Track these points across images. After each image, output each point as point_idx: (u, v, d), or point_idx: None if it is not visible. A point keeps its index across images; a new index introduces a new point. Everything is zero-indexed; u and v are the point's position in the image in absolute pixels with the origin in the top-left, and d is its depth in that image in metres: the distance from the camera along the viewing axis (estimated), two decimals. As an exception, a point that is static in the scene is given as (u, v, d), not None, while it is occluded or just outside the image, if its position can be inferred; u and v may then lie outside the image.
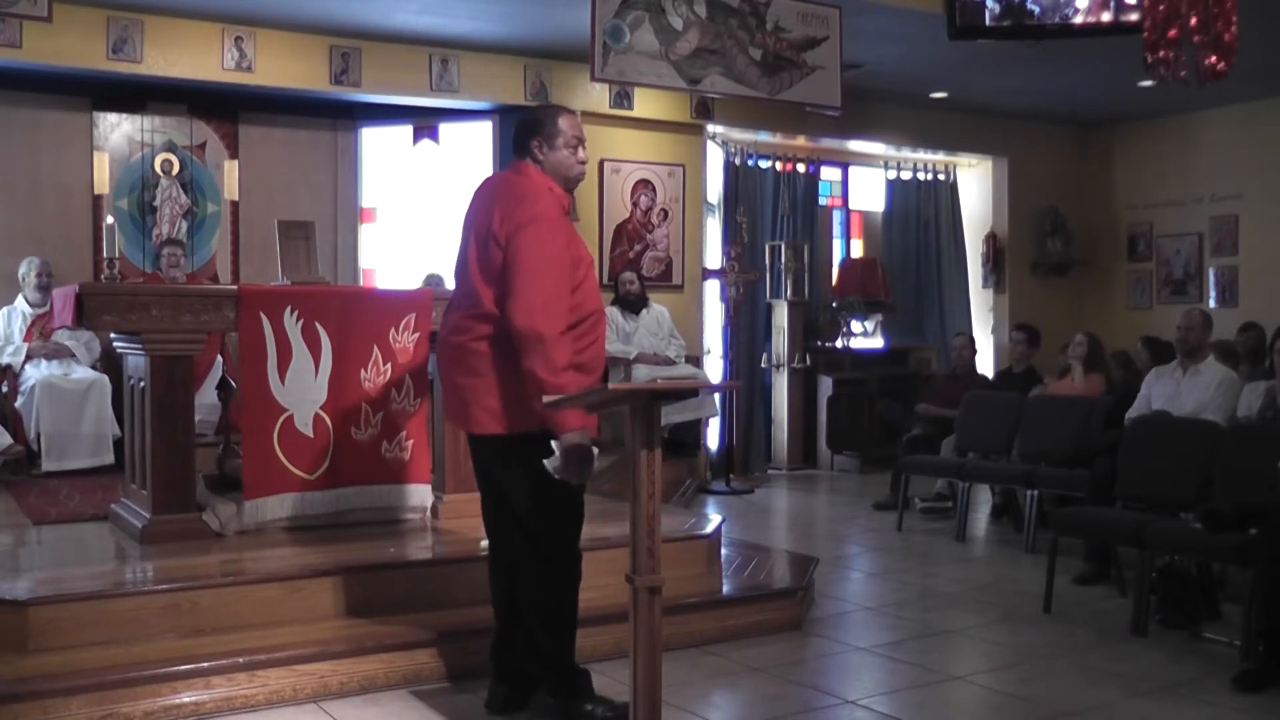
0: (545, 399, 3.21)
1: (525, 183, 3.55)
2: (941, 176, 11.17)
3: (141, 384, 4.70)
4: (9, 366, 7.03)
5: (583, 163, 3.65)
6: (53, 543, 4.85)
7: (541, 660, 3.55)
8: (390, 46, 8.08)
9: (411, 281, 8.12)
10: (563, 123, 3.59)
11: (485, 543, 4.68)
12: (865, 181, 11.14)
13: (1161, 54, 5.58)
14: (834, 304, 10.28)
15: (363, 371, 4.88)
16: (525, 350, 3.32)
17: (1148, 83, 8.62)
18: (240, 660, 3.74)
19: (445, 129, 8.89)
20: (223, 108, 8.25)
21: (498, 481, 3.60)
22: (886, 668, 4.33)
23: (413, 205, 8.89)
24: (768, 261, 9.92)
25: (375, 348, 4.90)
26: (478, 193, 3.73)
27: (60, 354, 7.09)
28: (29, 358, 7.04)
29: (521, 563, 3.56)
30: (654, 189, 9.10)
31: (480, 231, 3.52)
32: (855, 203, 11.17)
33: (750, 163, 10.00)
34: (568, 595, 3.56)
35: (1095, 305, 11.42)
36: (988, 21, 7.27)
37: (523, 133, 3.60)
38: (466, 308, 3.53)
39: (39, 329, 7.13)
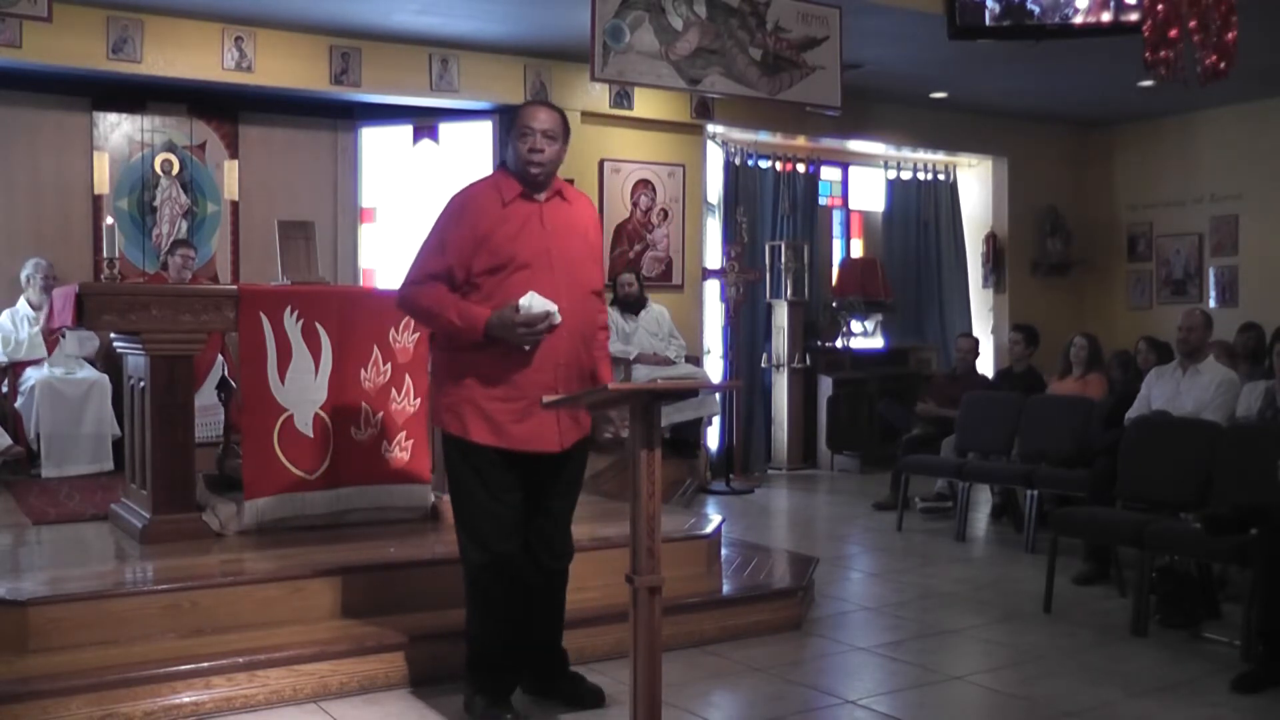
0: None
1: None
2: (941, 176, 11.17)
3: (141, 384, 4.70)
4: (9, 366, 7.02)
5: (532, 151, 3.45)
6: (53, 543, 4.85)
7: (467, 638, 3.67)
8: (390, 46, 8.08)
9: (411, 281, 8.10)
10: (520, 115, 3.56)
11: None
12: (865, 181, 11.14)
13: (1161, 54, 5.58)
14: (834, 304, 10.28)
15: (363, 371, 4.88)
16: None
17: (1148, 83, 8.64)
18: (240, 660, 3.74)
19: (445, 129, 8.89)
20: (223, 108, 8.24)
21: None
22: (886, 668, 4.33)
23: (413, 205, 8.88)
24: (768, 261, 9.92)
25: (375, 348, 4.90)
26: None
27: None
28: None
29: None
30: (654, 189, 9.10)
31: None
32: (855, 203, 11.17)
33: (750, 163, 10.00)
34: (472, 603, 3.60)
35: (1095, 305, 11.42)
36: (988, 21, 7.27)
37: None
38: None
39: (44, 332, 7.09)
